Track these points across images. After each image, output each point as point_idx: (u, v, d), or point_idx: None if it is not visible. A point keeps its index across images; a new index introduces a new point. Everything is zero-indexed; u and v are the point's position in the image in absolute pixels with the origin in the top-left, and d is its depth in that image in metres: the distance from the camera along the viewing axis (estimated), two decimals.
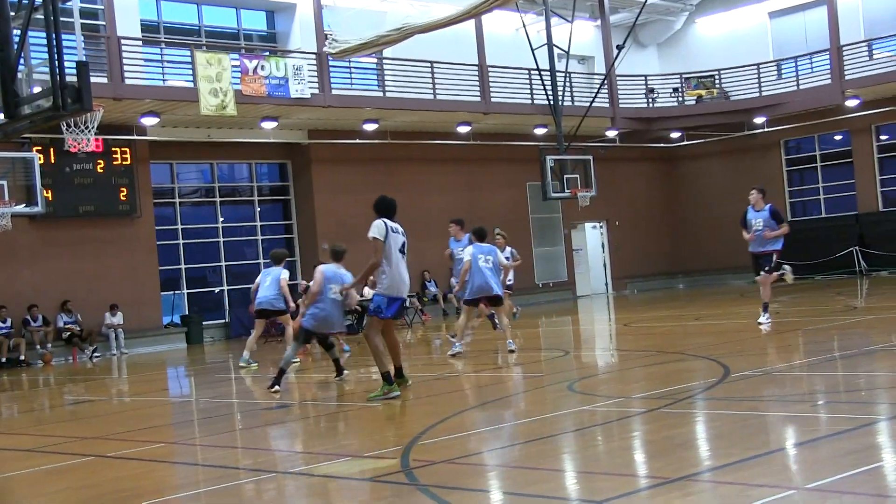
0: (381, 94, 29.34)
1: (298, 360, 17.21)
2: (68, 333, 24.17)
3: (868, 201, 33.61)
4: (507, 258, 17.92)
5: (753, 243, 16.31)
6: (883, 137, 33.87)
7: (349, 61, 27.54)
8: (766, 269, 16.12)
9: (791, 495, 5.60)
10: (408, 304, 11.99)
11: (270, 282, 16.35)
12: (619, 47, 31.66)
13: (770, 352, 13.53)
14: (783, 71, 34.99)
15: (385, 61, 29.17)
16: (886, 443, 7.02)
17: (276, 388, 12.38)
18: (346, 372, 13.31)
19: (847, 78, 31.83)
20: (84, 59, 11.38)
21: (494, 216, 32.20)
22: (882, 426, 7.58)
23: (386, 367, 11.01)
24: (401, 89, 29.29)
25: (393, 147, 29.86)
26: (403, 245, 11.11)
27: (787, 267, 16.71)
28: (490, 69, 30.61)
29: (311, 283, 13.23)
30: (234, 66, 24.55)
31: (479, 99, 30.37)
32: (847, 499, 5.47)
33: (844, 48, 32.02)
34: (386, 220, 10.97)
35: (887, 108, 32.25)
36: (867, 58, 32.50)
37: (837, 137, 34.84)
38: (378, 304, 11.02)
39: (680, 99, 35.78)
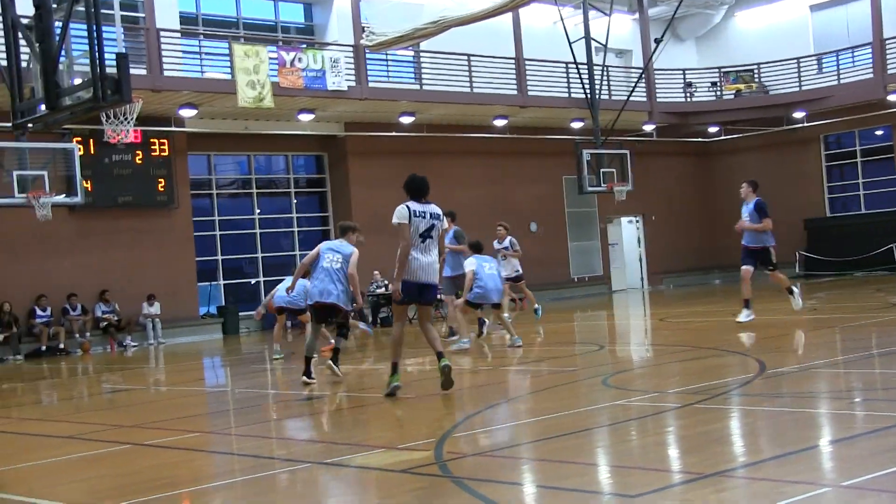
0: (417, 86, 29.39)
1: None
2: (106, 323, 24.46)
3: None
4: (506, 248, 18.43)
5: (745, 236, 16.38)
6: None
7: (386, 54, 27.57)
8: (770, 267, 16.35)
9: (826, 493, 5.57)
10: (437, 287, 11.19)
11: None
12: (658, 41, 31.55)
13: (807, 348, 13.43)
14: (824, 65, 34.62)
15: (422, 54, 29.22)
16: None
17: (311, 378, 12.32)
18: (339, 369, 12.51)
19: (890, 72, 31.42)
20: (124, 50, 11.44)
21: (529, 209, 32.30)
22: None
23: (395, 357, 10.71)
24: (437, 82, 29.29)
25: (429, 140, 29.88)
26: (430, 228, 10.53)
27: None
28: (527, 62, 30.57)
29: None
30: (271, 59, 24.67)
31: (515, 92, 30.34)
32: (885, 497, 5.42)
33: (888, 41, 31.60)
34: (412, 202, 10.50)
35: None
36: None
37: (879, 132, 34.45)
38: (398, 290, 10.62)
39: (718, 93, 35.58)
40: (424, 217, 10.50)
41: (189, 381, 16.57)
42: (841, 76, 33.60)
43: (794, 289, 16.42)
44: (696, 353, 13.61)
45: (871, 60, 32.08)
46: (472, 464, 7.16)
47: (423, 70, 29.61)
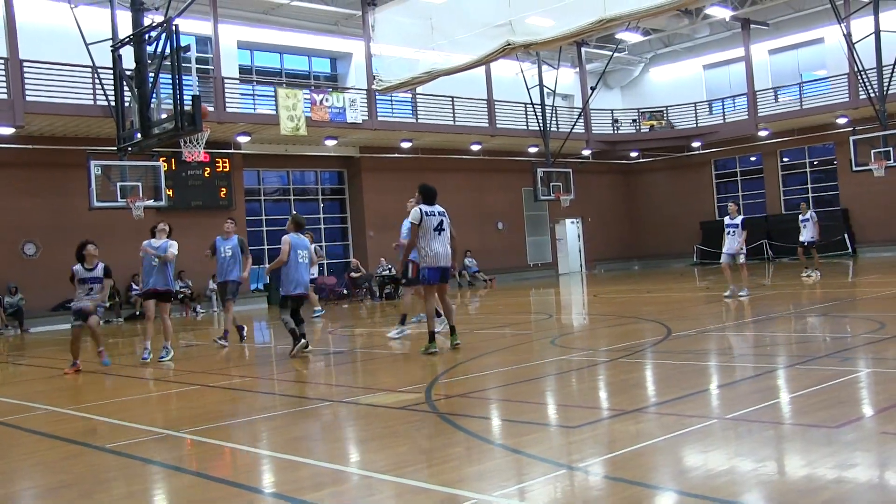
0: (414, 120, 29.32)
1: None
2: (182, 295, 24.32)
3: (774, 206, 33.73)
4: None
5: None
6: (785, 159, 33.99)
7: (391, 96, 27.51)
8: (404, 280, 13.06)
9: (715, 423, 5.59)
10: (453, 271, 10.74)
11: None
12: (592, 88, 31.60)
13: (702, 317, 13.44)
14: (713, 108, 34.92)
15: (418, 96, 29.14)
16: (782, 385, 7.00)
17: (303, 346, 11.34)
18: (306, 342, 11.35)
19: (760, 114, 31.95)
20: (197, 93, 11.39)
21: (497, 212, 32.28)
22: (780, 372, 7.54)
23: (433, 328, 10.45)
24: (429, 117, 29.23)
25: (423, 160, 29.84)
26: (441, 224, 10.34)
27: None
28: (496, 103, 30.53)
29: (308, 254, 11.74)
30: (305, 99, 24.60)
31: (487, 125, 30.29)
32: (754, 426, 5.45)
33: (758, 93, 32.24)
34: (423, 205, 10.34)
35: (788, 138, 32.52)
36: (774, 100, 32.81)
37: (752, 158, 34.82)
38: (423, 275, 10.40)
39: (637, 128, 35.63)
40: (434, 215, 10.36)
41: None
42: (725, 117, 33.96)
43: (404, 323, 12.87)
44: (620, 320, 13.63)
45: (746, 106, 32.46)
46: (454, 403, 7.14)
47: (419, 107, 29.53)
